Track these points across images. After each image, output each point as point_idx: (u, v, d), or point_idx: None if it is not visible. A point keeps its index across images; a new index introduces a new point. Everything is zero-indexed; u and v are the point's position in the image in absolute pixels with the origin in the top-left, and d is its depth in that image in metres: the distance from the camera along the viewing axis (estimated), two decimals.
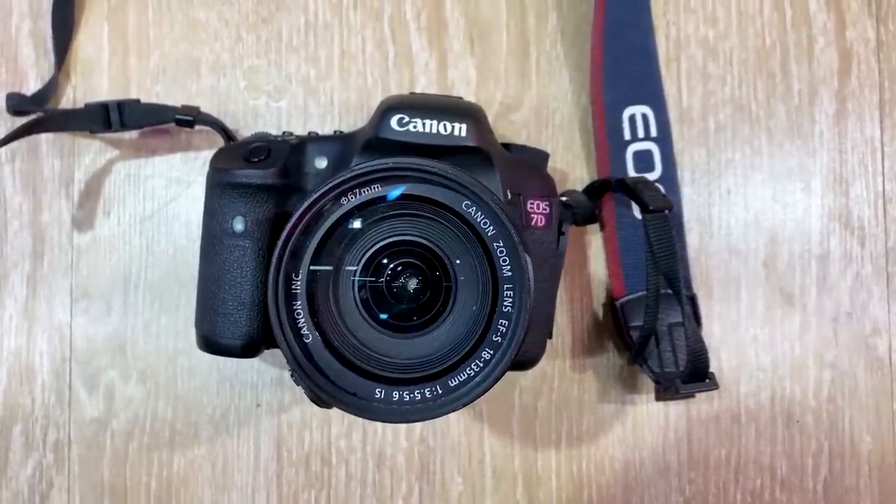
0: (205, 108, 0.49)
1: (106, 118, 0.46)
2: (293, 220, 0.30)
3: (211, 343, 0.42)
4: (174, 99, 0.50)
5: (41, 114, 0.46)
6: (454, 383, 0.30)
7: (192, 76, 0.50)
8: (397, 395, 0.30)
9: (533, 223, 0.43)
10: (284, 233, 0.29)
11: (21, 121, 0.48)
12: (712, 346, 0.49)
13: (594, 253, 0.50)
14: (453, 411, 0.30)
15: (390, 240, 0.31)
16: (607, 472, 0.50)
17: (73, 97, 0.51)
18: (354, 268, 0.31)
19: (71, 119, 0.46)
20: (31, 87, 0.50)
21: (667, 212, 0.45)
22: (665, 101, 0.50)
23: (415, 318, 0.31)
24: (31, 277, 0.50)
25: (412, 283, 0.31)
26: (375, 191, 0.30)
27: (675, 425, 0.50)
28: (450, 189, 0.30)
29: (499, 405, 0.50)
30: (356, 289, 0.31)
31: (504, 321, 0.30)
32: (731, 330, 0.50)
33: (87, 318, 0.50)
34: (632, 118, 0.50)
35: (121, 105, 0.46)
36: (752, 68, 0.51)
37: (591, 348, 0.50)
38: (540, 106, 0.51)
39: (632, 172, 0.49)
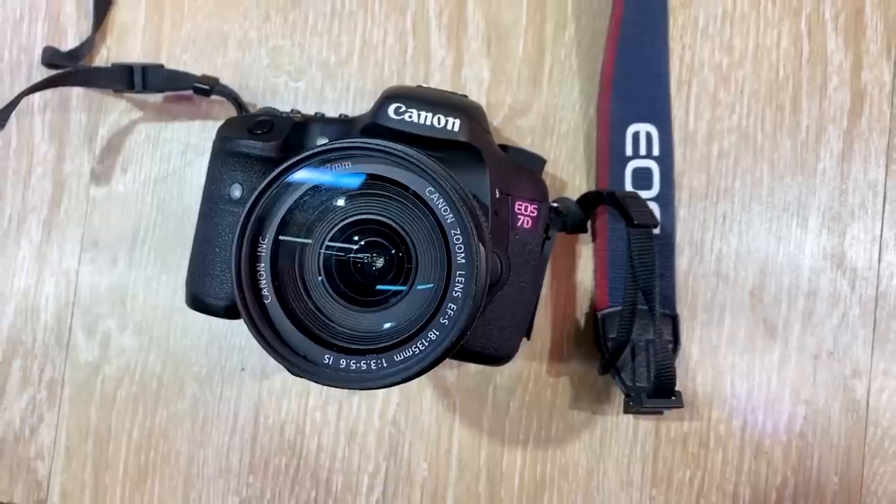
0: (226, 81, 0.51)
1: (130, 79, 0.48)
2: (264, 183, 0.31)
3: (198, 301, 0.44)
4: (200, 69, 0.52)
5: (71, 69, 0.49)
6: (398, 358, 0.31)
7: (219, 49, 0.53)
8: (344, 363, 0.31)
9: (519, 224, 0.44)
10: (254, 195, 0.31)
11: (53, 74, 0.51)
12: (689, 368, 0.50)
13: (583, 263, 0.51)
14: (392, 385, 0.31)
15: (359, 217, 0.33)
16: (570, 477, 0.51)
17: (106, 57, 0.53)
18: (321, 240, 0.33)
19: (97, 76, 0.49)
20: (68, 44, 0.53)
21: (653, 230, 0.45)
22: (671, 122, 0.51)
23: (373, 293, 0.33)
24: (46, 222, 0.53)
25: (378, 262, 0.33)
26: (346, 167, 0.32)
27: (642, 441, 0.50)
28: (416, 174, 0.31)
29: (472, 399, 0.51)
30: (321, 260, 0.33)
31: (452, 305, 0.31)
32: (709, 354, 0.50)
33: (93, 267, 0.53)
34: (635, 135, 0.51)
35: (145, 68, 0.48)
36: (762, 99, 0.51)
37: (568, 355, 0.51)
38: (548, 114, 0.52)
39: (629, 188, 0.50)
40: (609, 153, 0.50)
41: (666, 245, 0.50)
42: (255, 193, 0.31)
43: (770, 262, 0.51)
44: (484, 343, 0.44)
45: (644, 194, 0.50)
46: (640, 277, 0.45)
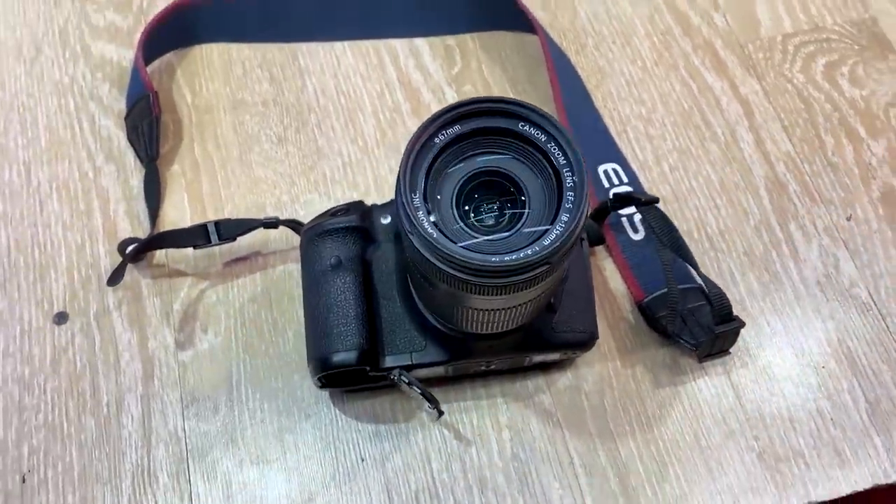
0: (275, 232, 0.61)
1: (205, 234, 0.57)
2: (407, 151, 0.41)
3: (328, 361, 0.49)
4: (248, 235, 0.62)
5: (158, 233, 0.58)
6: (547, 242, 0.39)
7: (259, 214, 0.63)
8: (508, 258, 0.39)
9: None
10: (404, 159, 0.40)
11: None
12: None
13: (609, 274, 0.61)
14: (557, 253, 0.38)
15: (479, 168, 0.42)
16: (682, 445, 0.55)
17: (164, 253, 0.62)
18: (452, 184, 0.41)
19: (179, 237, 0.58)
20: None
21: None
22: (626, 158, 0.65)
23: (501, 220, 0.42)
24: (143, 397, 0.57)
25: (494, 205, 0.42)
26: (457, 130, 0.42)
27: (723, 394, 0.57)
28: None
29: (571, 412, 0.56)
30: (455, 199, 0.41)
31: (570, 193, 0.40)
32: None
33: (197, 420, 0.56)
34: (605, 171, 0.64)
35: (217, 223, 0.58)
36: (682, 126, 0.67)
37: (633, 347, 0.58)
38: None
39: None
40: (593, 185, 0.63)
41: None
42: (403, 162, 0.40)
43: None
44: (570, 327, 0.52)
45: (629, 210, 0.62)
46: (666, 242, 0.56)
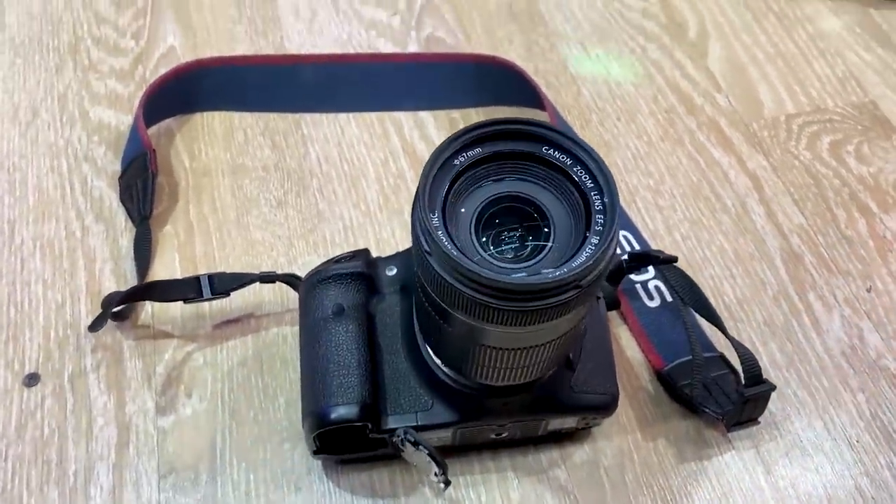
0: (269, 293, 0.58)
1: (198, 287, 0.54)
2: (425, 172, 0.38)
3: (325, 416, 0.45)
4: (242, 294, 0.58)
5: (149, 282, 0.54)
6: (576, 263, 0.36)
7: None
8: (533, 278, 0.36)
9: None
10: (422, 180, 0.37)
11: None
12: None
13: (625, 343, 0.58)
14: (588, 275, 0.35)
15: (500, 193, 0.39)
16: None
17: (150, 312, 0.58)
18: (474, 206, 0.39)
19: (169, 288, 0.54)
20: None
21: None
22: (637, 228, 0.63)
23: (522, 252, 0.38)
24: (116, 466, 0.51)
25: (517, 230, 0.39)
26: (478, 152, 0.40)
27: (752, 469, 0.52)
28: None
29: (589, 488, 0.51)
30: (475, 226, 0.38)
31: (599, 216, 0.37)
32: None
33: (175, 491, 0.51)
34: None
35: (210, 276, 0.54)
36: (691, 197, 0.66)
37: (654, 419, 0.54)
38: None
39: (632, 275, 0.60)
40: None
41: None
42: (423, 176, 0.37)
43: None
44: (590, 388, 0.48)
45: (643, 277, 0.60)
46: (689, 300, 0.53)
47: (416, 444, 0.45)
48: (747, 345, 0.57)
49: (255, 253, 0.61)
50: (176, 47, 0.74)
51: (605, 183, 0.38)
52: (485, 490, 0.51)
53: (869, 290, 0.60)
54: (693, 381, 0.52)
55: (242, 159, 0.67)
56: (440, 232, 0.37)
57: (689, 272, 0.59)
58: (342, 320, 0.47)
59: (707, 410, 0.52)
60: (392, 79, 0.72)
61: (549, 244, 0.39)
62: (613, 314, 0.59)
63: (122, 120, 0.69)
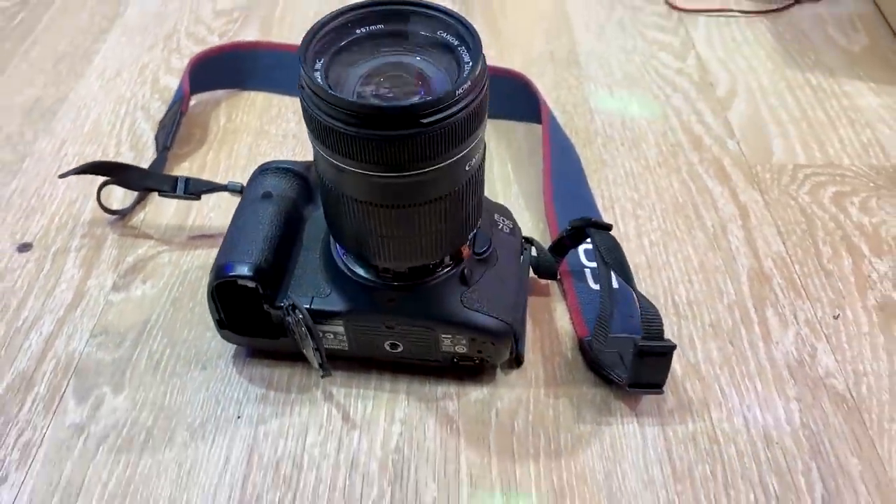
0: None
1: (174, 185, 0.60)
2: (318, 24, 0.43)
3: (222, 268, 0.48)
4: (222, 215, 0.64)
5: (131, 165, 0.61)
6: (438, 90, 0.39)
7: None
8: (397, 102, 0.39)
9: (499, 227, 0.54)
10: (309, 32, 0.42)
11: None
12: (677, 378, 0.52)
13: (558, 315, 0.57)
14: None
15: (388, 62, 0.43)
16: (589, 482, 0.47)
17: (142, 218, 0.65)
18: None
19: (151, 177, 0.61)
20: None
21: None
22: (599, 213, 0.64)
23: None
24: (60, 320, 0.57)
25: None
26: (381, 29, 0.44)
27: (652, 443, 0.49)
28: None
29: (476, 423, 0.50)
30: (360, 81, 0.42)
31: (467, 66, 0.41)
32: (692, 369, 0.53)
33: (97, 348, 0.55)
34: None
35: (187, 179, 0.60)
36: (671, 213, 0.66)
37: (563, 381, 0.53)
38: None
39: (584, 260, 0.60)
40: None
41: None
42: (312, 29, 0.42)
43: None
44: (482, 308, 0.49)
45: (594, 264, 0.59)
46: (612, 262, 0.52)
47: (299, 321, 0.47)
48: (685, 339, 0.56)
49: None
50: None
51: (469, 37, 0.41)
52: (373, 404, 0.52)
53: (836, 318, 0.57)
54: (597, 333, 0.51)
55: (269, 127, 0.75)
56: (318, 74, 0.41)
57: (647, 271, 0.60)
58: (265, 202, 0.52)
59: (612, 374, 0.51)
60: None
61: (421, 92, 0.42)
62: (557, 292, 0.59)
63: None
